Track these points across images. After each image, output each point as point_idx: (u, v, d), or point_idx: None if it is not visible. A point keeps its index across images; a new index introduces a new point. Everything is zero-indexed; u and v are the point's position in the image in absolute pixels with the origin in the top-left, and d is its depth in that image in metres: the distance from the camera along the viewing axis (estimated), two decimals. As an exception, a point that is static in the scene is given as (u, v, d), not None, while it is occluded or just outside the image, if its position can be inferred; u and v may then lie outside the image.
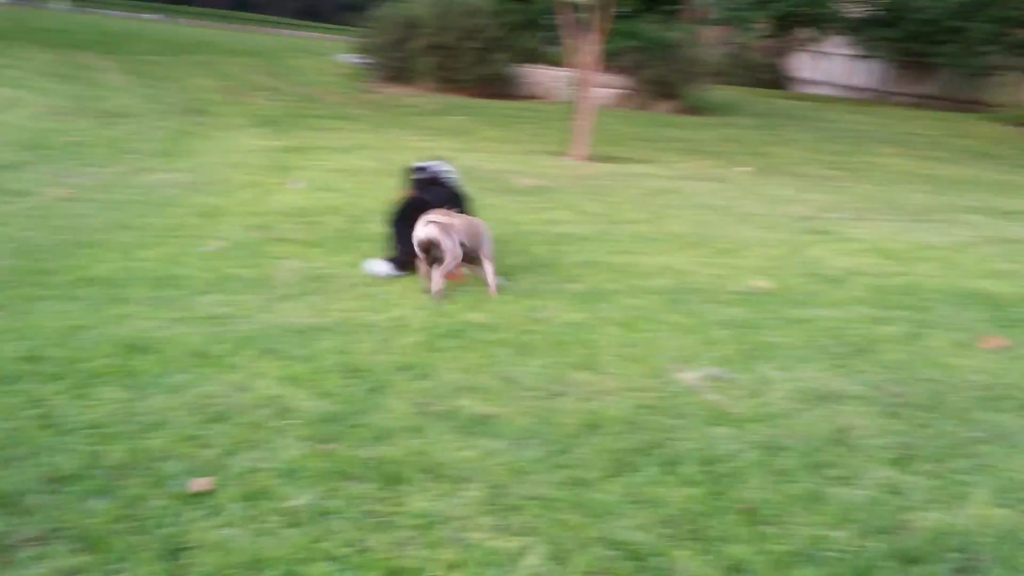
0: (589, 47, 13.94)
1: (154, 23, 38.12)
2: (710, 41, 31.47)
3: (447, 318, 5.54)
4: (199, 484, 3.35)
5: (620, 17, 16.10)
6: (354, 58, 24.38)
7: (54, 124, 13.24)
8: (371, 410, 4.15)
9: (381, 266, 6.52)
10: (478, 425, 4.06)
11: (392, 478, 3.53)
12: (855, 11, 31.12)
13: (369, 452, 3.73)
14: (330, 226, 7.97)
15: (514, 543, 3.19)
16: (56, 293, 5.60)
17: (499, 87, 22.72)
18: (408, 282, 6.29)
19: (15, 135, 11.87)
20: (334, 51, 28.64)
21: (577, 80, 14.42)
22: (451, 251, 5.99)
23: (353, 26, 29.94)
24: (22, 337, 4.72)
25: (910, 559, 3.26)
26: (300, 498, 3.33)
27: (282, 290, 5.99)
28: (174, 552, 2.97)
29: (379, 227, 7.90)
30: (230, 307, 5.54)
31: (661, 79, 22.48)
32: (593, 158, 13.80)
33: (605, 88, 22.01)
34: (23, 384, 4.11)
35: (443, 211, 6.18)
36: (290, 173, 10.44)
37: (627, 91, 22.77)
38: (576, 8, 14.23)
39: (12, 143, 11.32)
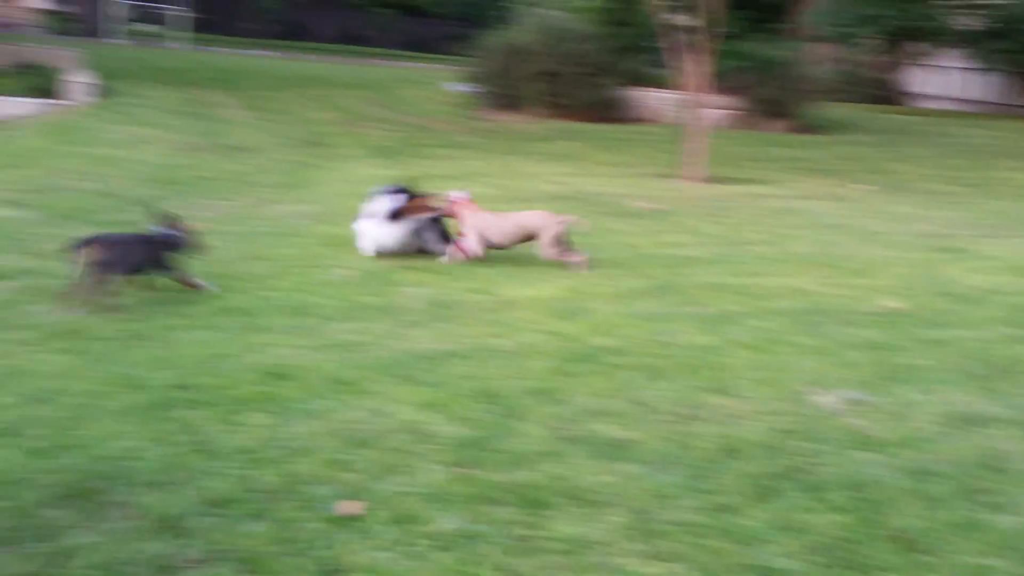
0: (698, 68, 13.87)
1: (268, 59, 39.20)
2: (820, 58, 30.98)
3: (576, 343, 5.56)
4: (348, 508, 3.42)
5: (727, 37, 15.99)
6: (462, 87, 24.68)
7: (182, 160, 13.70)
8: (508, 435, 4.19)
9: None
10: (615, 449, 4.06)
11: (535, 502, 3.56)
12: (968, 24, 30.30)
13: (510, 476, 3.76)
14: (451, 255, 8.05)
15: (662, 569, 3.18)
16: (199, 323, 5.79)
17: (608, 111, 22.73)
18: (535, 307, 6.33)
19: (148, 171, 12.31)
20: (442, 80, 29.04)
21: (687, 102, 14.35)
22: None
23: (459, 55, 30.36)
24: (171, 366, 4.89)
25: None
26: (447, 522, 3.38)
27: (410, 317, 6.09)
28: (330, 574, 3.04)
29: (499, 253, 8.00)
30: (362, 334, 5.66)
31: (772, 98, 22.23)
32: (708, 179, 13.70)
33: (716, 109, 21.87)
34: (176, 411, 4.26)
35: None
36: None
37: (738, 111, 22.58)
38: (682, 30, 14.19)
39: (145, 179, 11.74)
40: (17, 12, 46.18)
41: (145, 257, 6.36)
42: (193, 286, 6.48)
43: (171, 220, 6.75)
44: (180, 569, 3.02)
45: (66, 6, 47.68)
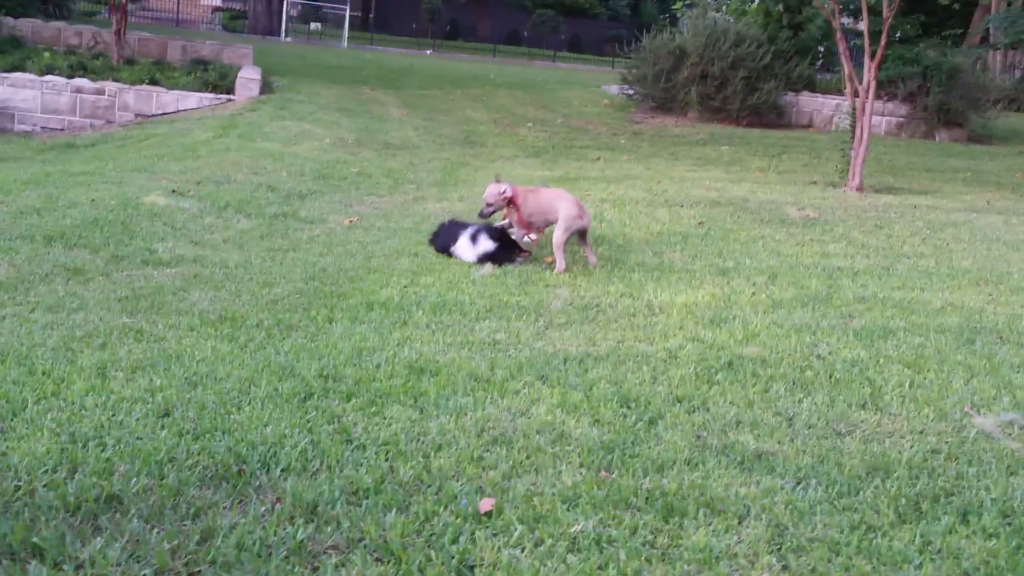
0: (865, 74, 13.50)
1: (426, 58, 39.96)
2: (998, 66, 29.73)
3: (721, 351, 5.50)
4: (484, 504, 3.47)
5: (898, 42, 15.52)
6: (620, 89, 24.65)
7: (341, 155, 14.11)
8: (647, 441, 4.17)
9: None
10: (757, 461, 4.00)
11: (670, 510, 3.54)
12: None
13: (646, 483, 3.74)
14: (598, 255, 8.06)
15: (799, 585, 3.12)
16: (346, 315, 5.97)
17: (768, 116, 22.37)
18: (682, 313, 6.29)
19: (307, 166, 12.74)
20: (600, 82, 29.07)
21: (852, 108, 13.98)
22: None
23: (619, 57, 30.31)
24: (318, 356, 5.05)
25: None
26: (581, 525, 3.39)
27: (555, 317, 6.13)
28: (466, 569, 3.10)
29: (647, 257, 7.96)
30: (505, 333, 5.73)
31: (944, 106, 21.45)
32: (871, 189, 13.32)
33: (882, 116, 21.26)
34: (321, 400, 4.40)
35: None
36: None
37: (906, 119, 21.89)
38: (851, 34, 13.82)
39: (305, 173, 12.16)
40: (197, 11, 48.38)
41: None
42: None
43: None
44: (318, 554, 3.12)
45: (236, 3, 49.65)
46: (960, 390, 5.03)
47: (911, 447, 4.23)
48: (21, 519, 3.18)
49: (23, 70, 18.72)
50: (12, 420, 4.01)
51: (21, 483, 3.43)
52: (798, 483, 3.81)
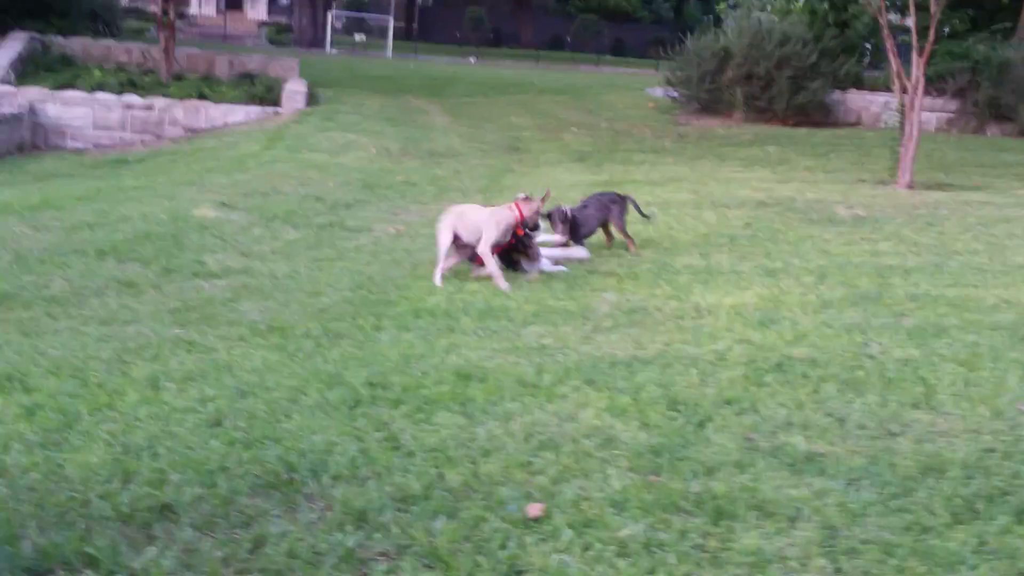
0: (914, 70, 13.33)
1: (470, 67, 40.09)
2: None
3: (771, 352, 5.45)
4: (533, 510, 3.47)
5: (947, 37, 15.32)
6: (664, 91, 24.57)
7: (386, 164, 14.22)
8: (696, 444, 4.14)
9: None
10: (808, 463, 3.96)
11: (720, 513, 3.51)
12: None
13: (696, 486, 3.72)
14: (644, 258, 8.05)
15: (852, 588, 3.09)
16: (393, 323, 6.00)
17: (815, 115, 22.18)
18: (729, 315, 6.25)
19: (353, 175, 12.84)
20: (644, 85, 28.98)
21: (901, 105, 13.81)
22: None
23: (663, 60, 30.22)
24: (366, 364, 5.08)
25: None
26: (630, 529, 3.37)
27: (601, 322, 6.12)
28: (515, 575, 3.09)
29: (694, 260, 7.92)
30: (552, 338, 5.72)
31: (994, 101, 21.13)
32: (921, 186, 13.15)
33: (932, 112, 20.98)
34: (369, 408, 4.43)
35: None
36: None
37: (956, 115, 21.60)
38: (899, 30, 13.66)
39: (351, 183, 12.26)
40: (245, 25, 48.95)
41: None
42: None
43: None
44: (368, 561, 3.14)
45: (281, 17, 50.15)
46: (1015, 388, 4.94)
47: (965, 446, 4.16)
48: (76, 529, 3.23)
49: (74, 87, 19.08)
50: (67, 432, 4.07)
51: (76, 494, 3.49)
52: (850, 484, 3.77)
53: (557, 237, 8.02)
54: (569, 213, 8.07)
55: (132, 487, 3.55)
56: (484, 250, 7.03)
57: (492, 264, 7.02)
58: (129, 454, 3.84)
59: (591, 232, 8.33)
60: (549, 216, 7.88)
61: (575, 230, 8.09)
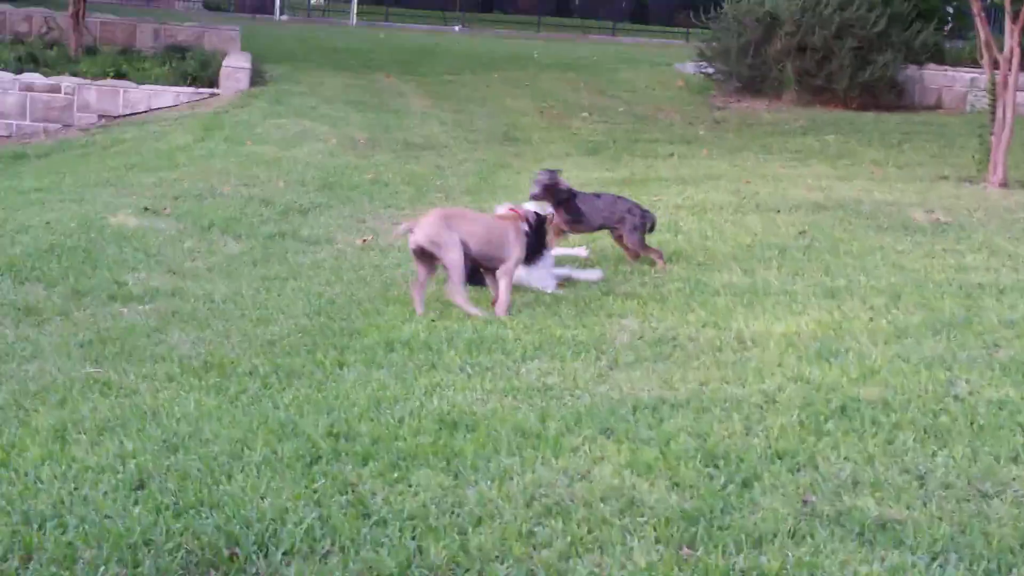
0: (1007, 40, 13.38)
1: (454, 37, 40.27)
2: None
3: (832, 393, 5.46)
4: (536, 593, 3.47)
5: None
6: (697, 67, 24.65)
7: (350, 159, 14.24)
8: (739, 508, 4.15)
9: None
10: (880, 532, 3.97)
11: (773, 596, 3.52)
12: None
13: (740, 561, 3.72)
14: (673, 275, 8.07)
15: None
16: (360, 358, 6.00)
17: (885, 96, 22.23)
18: (780, 346, 6.26)
19: (308, 173, 12.85)
20: (672, 60, 29.09)
21: (992, 83, 13.86)
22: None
23: (695, 28, 30.33)
24: (326, 409, 5.08)
25: None
26: (658, 616, 3.37)
27: (620, 355, 6.12)
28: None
29: (735, 277, 7.94)
30: (560, 376, 5.73)
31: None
32: (1017, 184, 13.19)
33: (1029, 92, 21.04)
34: (331, 465, 4.42)
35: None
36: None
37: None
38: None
39: (306, 183, 12.26)
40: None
41: None
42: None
43: None
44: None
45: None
46: None
47: (1077, 511, 4.17)
48: (-38, 622, 3.23)
49: (-42, 64, 19.06)
50: (-49, 497, 4.07)
51: (-38, 576, 3.48)
52: (933, 559, 3.78)
53: (581, 251, 8.11)
54: (565, 186, 8.14)
55: (33, 567, 3.54)
56: (511, 270, 7.16)
57: (508, 292, 7.12)
58: (30, 525, 3.83)
59: (587, 229, 8.41)
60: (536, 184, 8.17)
61: (569, 212, 8.15)
